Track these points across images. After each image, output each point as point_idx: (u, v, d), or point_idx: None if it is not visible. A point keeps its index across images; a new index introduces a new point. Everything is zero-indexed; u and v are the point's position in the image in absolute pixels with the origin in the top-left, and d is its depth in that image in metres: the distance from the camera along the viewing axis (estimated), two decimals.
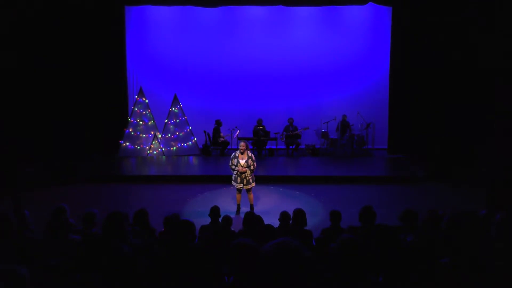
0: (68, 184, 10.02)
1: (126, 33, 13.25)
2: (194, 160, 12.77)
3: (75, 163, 11.39)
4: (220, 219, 5.64)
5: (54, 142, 12.07)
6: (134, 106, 12.96)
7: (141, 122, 12.96)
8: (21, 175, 10.13)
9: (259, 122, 13.25)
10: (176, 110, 13.11)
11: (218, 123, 13.27)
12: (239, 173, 7.86)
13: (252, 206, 8.14)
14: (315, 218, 7.47)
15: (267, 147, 13.43)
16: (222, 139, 13.26)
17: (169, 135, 13.10)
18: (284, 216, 5.32)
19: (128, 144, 12.85)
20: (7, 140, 11.01)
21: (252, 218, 5.20)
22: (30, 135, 11.78)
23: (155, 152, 12.95)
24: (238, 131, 13.41)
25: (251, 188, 8.03)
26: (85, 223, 4.90)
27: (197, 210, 8.05)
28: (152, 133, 13.00)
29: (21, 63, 11.84)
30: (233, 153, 8.01)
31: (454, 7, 11.83)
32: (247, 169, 7.83)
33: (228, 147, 13.39)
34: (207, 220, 5.82)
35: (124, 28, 13.15)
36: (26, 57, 11.93)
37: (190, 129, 13.23)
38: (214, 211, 5.70)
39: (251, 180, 7.97)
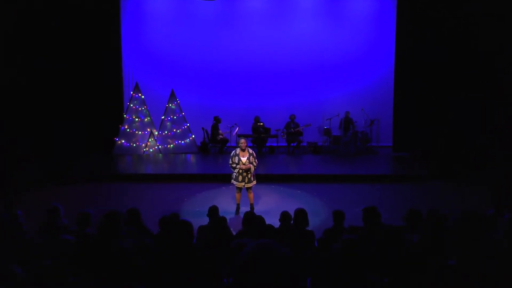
0: (62, 183, 10.02)
1: (121, 26, 13.22)
2: (192, 158, 12.77)
3: (70, 162, 11.40)
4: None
5: (47, 140, 12.08)
6: (130, 102, 12.95)
7: (137, 119, 12.96)
8: (16, 174, 10.14)
9: (257, 120, 13.24)
10: (173, 106, 13.11)
11: (217, 119, 13.26)
12: (241, 171, 7.86)
13: (252, 206, 8.15)
14: (317, 218, 7.47)
15: (268, 144, 13.44)
16: (221, 136, 13.25)
17: (166, 132, 13.10)
18: (284, 216, 5.32)
19: (123, 141, 12.85)
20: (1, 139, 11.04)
21: (252, 218, 5.21)
22: (23, 134, 11.79)
23: (151, 150, 12.95)
24: (237, 128, 13.40)
25: (251, 186, 8.03)
26: (80, 223, 4.90)
27: (195, 210, 8.05)
28: (149, 130, 13.00)
29: (11, 58, 11.84)
30: (233, 151, 8.00)
31: None
32: (251, 165, 7.84)
33: (227, 144, 13.39)
34: (205, 220, 5.82)
35: (119, 21, 13.12)
36: (17, 51, 11.92)
37: (187, 126, 13.23)
38: (213, 211, 5.70)
39: (252, 178, 7.98)
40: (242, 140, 7.98)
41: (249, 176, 7.91)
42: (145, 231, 5.22)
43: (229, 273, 3.89)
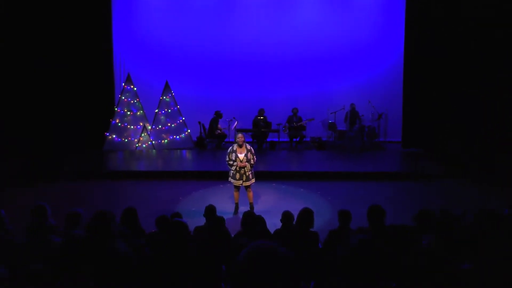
0: (49, 181, 10.02)
1: (112, 13, 13.15)
2: (188, 154, 12.76)
3: (57, 158, 11.39)
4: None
5: (32, 135, 12.06)
6: (121, 94, 12.92)
7: (129, 112, 12.94)
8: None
9: (260, 113, 13.21)
10: (167, 99, 13.08)
11: (218, 114, 13.21)
12: (238, 169, 7.84)
13: (251, 205, 8.14)
14: (322, 219, 7.46)
15: (269, 139, 13.42)
16: (219, 131, 13.23)
17: (160, 126, 13.09)
18: (286, 216, 5.31)
19: (114, 136, 12.84)
20: None
21: (251, 218, 5.21)
22: (7, 129, 11.77)
23: (144, 146, 12.94)
24: (236, 122, 13.38)
25: (250, 184, 8.02)
26: (68, 224, 4.89)
27: (191, 210, 8.05)
28: (141, 124, 12.98)
29: None
30: (230, 147, 7.97)
31: None
32: (247, 163, 7.81)
33: (226, 139, 13.38)
34: (202, 221, 5.82)
35: (110, 8, 13.05)
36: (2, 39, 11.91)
37: (183, 120, 13.21)
38: (210, 211, 5.70)
39: (250, 176, 7.95)
40: (239, 135, 7.93)
41: (247, 173, 7.88)
42: (140, 231, 5.22)
43: (227, 276, 3.88)
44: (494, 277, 2.27)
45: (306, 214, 5.13)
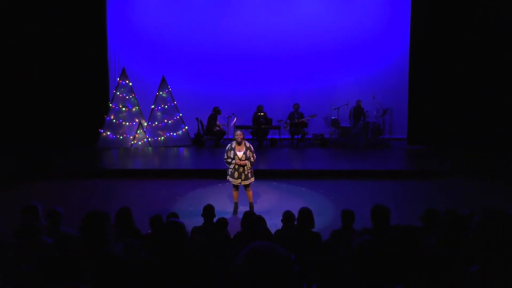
0: (40, 179, 10.01)
1: (106, 6, 13.13)
2: (185, 152, 12.76)
3: (49, 156, 11.39)
4: (214, 220, 5.64)
5: (24, 131, 12.05)
6: (116, 89, 12.91)
7: (124, 108, 12.93)
8: None
9: (260, 109, 13.20)
10: (164, 95, 13.07)
11: (216, 111, 13.20)
12: (236, 167, 7.82)
13: (251, 205, 8.13)
14: (324, 219, 7.47)
15: (269, 136, 13.42)
16: (217, 128, 13.22)
17: (156, 123, 13.08)
18: (287, 216, 5.31)
19: (109, 133, 12.84)
20: None
21: (251, 219, 5.20)
22: None
23: (140, 143, 12.93)
24: (235, 119, 13.37)
25: (249, 184, 8.00)
26: (50, 222, 4.93)
27: (189, 210, 8.05)
28: (137, 120, 12.97)
29: None
30: (229, 145, 7.95)
31: None
32: (247, 161, 7.79)
33: (224, 137, 13.37)
34: (199, 221, 5.81)
35: (104, 0, 13.03)
36: None
37: (180, 116, 13.20)
38: (208, 211, 5.69)
39: (249, 174, 7.93)
40: (238, 132, 7.89)
41: (246, 172, 7.85)
42: (135, 232, 5.22)
43: (225, 280, 3.88)
44: (502, 280, 2.25)
45: (304, 214, 5.13)
